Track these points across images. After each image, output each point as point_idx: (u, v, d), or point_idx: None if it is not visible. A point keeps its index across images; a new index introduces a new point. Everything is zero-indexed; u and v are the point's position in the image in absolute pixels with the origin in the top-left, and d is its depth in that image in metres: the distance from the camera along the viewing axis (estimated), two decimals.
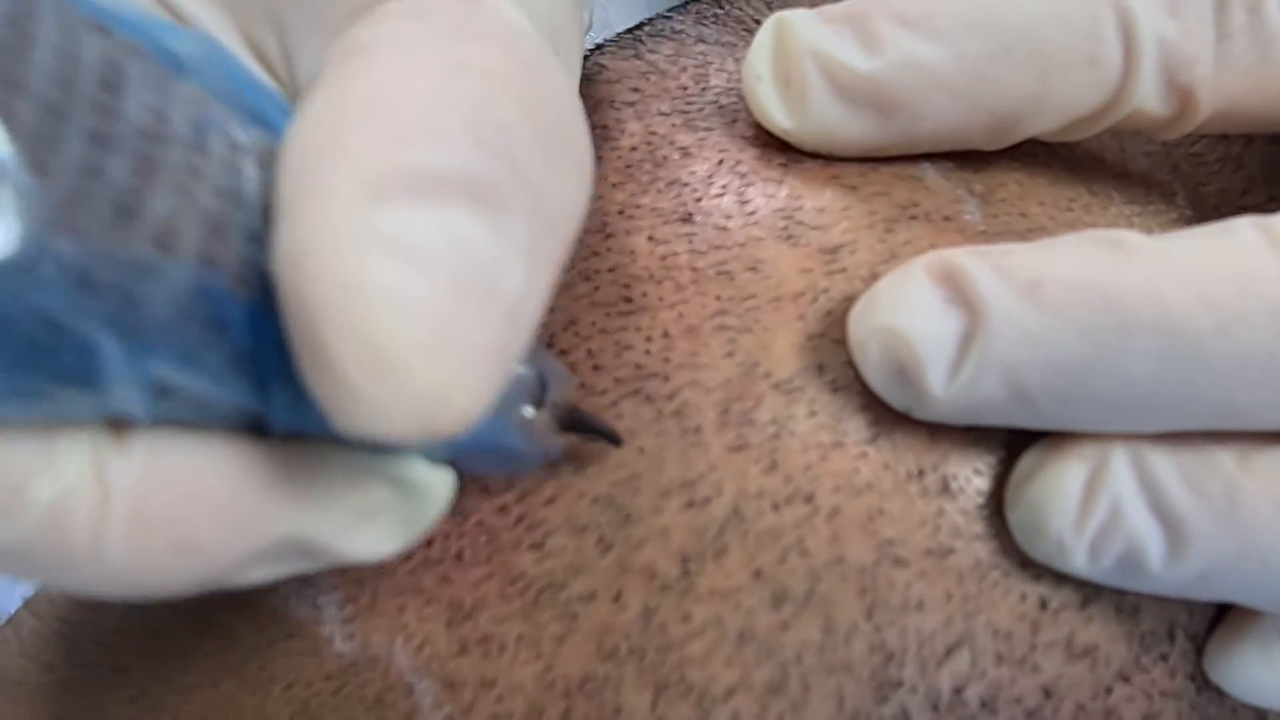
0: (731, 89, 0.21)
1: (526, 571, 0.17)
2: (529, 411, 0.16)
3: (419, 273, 0.11)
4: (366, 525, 0.15)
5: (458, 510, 0.17)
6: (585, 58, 0.23)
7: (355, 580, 0.17)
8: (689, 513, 0.16)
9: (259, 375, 0.13)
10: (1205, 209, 0.20)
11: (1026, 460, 0.16)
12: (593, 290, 0.18)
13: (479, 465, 0.16)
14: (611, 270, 0.18)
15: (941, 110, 0.18)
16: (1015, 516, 0.16)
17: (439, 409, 0.11)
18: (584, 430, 0.17)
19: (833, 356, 0.17)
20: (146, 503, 0.13)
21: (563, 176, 0.14)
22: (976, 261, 0.15)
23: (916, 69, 0.17)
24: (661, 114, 0.20)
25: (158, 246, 0.12)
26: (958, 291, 0.15)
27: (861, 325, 0.16)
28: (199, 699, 0.18)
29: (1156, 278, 0.14)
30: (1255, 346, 0.14)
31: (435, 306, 0.11)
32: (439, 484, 0.16)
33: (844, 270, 0.18)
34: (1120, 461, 0.15)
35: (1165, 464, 0.15)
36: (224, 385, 0.13)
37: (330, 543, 0.15)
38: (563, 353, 0.18)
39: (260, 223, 0.12)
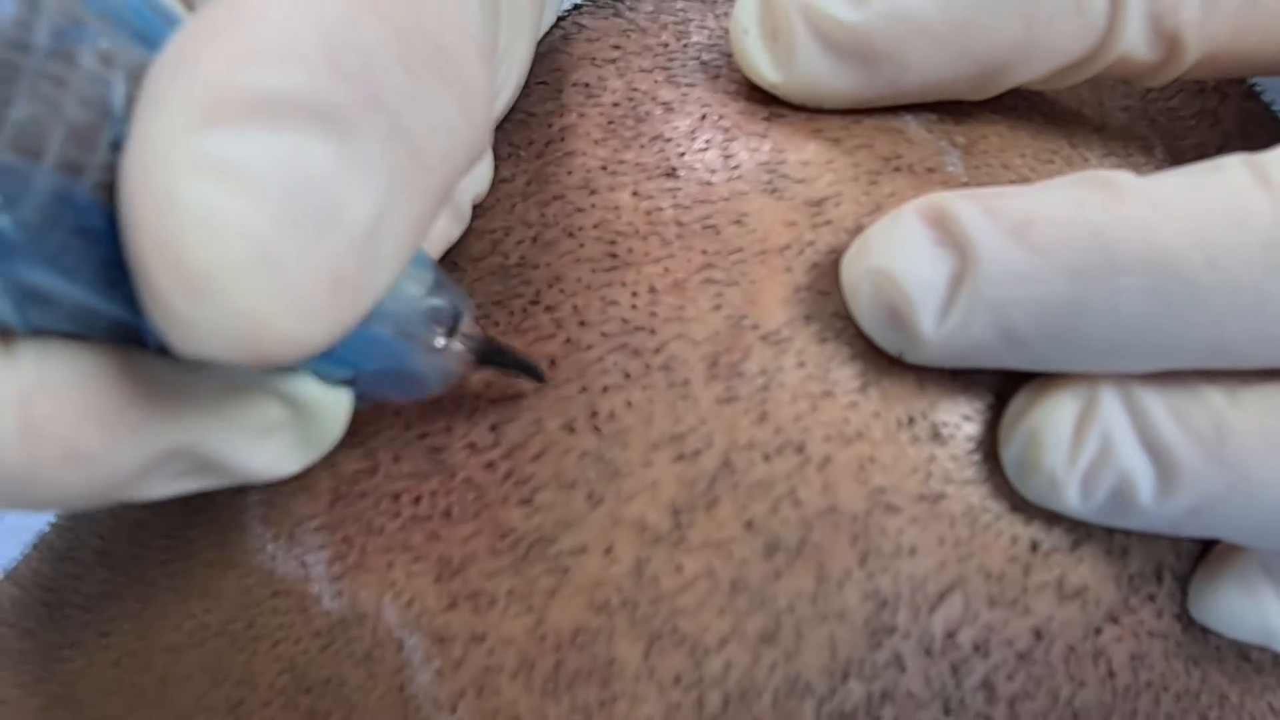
0: (713, 45, 0.21)
1: (516, 527, 0.17)
2: (440, 341, 0.16)
3: (244, 195, 0.11)
4: (262, 441, 0.15)
5: (444, 467, 0.17)
6: (563, 17, 0.23)
7: (343, 538, 0.17)
8: (679, 465, 0.16)
9: (132, 288, 0.13)
10: (1182, 163, 0.20)
11: (1018, 399, 0.17)
12: (577, 246, 0.18)
13: (380, 389, 0.16)
14: (596, 226, 0.18)
15: (928, 60, 0.18)
16: (1008, 454, 0.16)
17: (261, 332, 0.11)
18: (502, 364, 0.17)
19: (820, 308, 0.17)
20: (36, 411, 0.13)
21: (437, 104, 0.13)
22: (967, 204, 0.15)
23: (903, 19, 0.17)
24: (643, 70, 0.20)
25: (18, 151, 0.12)
26: (948, 233, 0.15)
27: (853, 268, 0.16)
28: (186, 659, 0.18)
29: (1146, 215, 0.15)
30: (1245, 281, 0.14)
31: (257, 228, 0.11)
32: (334, 404, 0.16)
33: (829, 223, 0.18)
34: (1110, 397, 0.16)
35: (1154, 399, 0.15)
36: (98, 295, 0.13)
37: (226, 456, 0.15)
38: (549, 309, 0.18)
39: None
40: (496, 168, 0.20)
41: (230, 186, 0.11)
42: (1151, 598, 0.17)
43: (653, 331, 0.17)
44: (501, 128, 0.20)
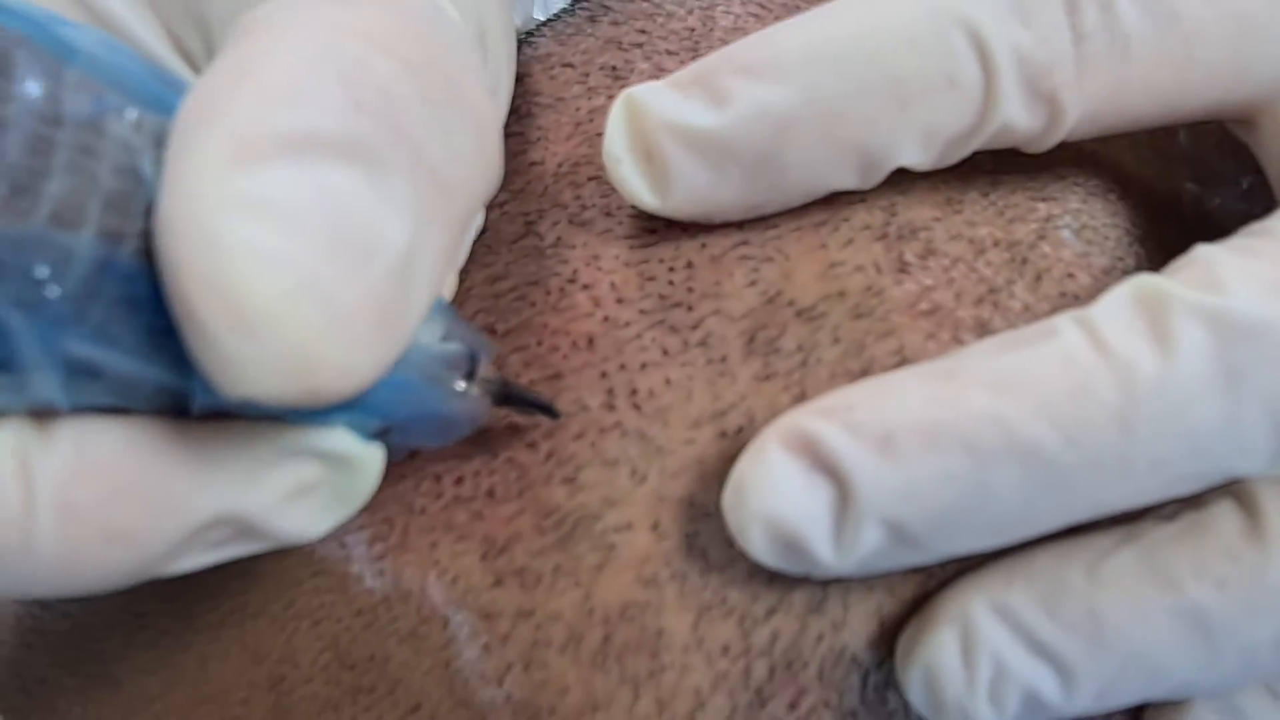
0: (738, 29, 0.21)
1: (560, 505, 0.17)
2: (460, 384, 0.16)
3: (283, 229, 0.11)
4: (298, 502, 0.15)
5: (485, 448, 0.17)
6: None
7: (383, 519, 0.17)
8: (722, 442, 0.17)
9: (177, 350, 0.13)
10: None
11: (904, 638, 0.17)
12: (615, 225, 0.18)
13: (412, 437, 0.16)
14: (631, 204, 0.18)
15: (805, 155, 0.17)
16: (913, 695, 0.16)
17: (312, 364, 0.11)
18: (519, 403, 0.17)
19: (854, 284, 0.17)
20: (74, 493, 0.13)
21: (453, 135, 0.14)
22: (827, 425, 0.15)
23: (768, 116, 0.16)
24: (669, 53, 0.20)
25: (57, 223, 0.12)
26: (817, 460, 0.15)
27: (738, 514, 0.15)
28: (225, 637, 0.18)
29: (995, 404, 0.15)
30: (1104, 450, 0.14)
31: (299, 260, 0.11)
32: (369, 458, 0.16)
33: (864, 199, 0.18)
34: (983, 615, 0.16)
35: (1024, 601, 0.16)
36: (143, 361, 0.13)
37: (263, 520, 0.15)
38: (586, 287, 0.18)
39: None
40: (525, 151, 0.20)
41: (269, 221, 0.11)
42: None
43: (690, 308, 0.17)
44: (530, 113, 0.20)
